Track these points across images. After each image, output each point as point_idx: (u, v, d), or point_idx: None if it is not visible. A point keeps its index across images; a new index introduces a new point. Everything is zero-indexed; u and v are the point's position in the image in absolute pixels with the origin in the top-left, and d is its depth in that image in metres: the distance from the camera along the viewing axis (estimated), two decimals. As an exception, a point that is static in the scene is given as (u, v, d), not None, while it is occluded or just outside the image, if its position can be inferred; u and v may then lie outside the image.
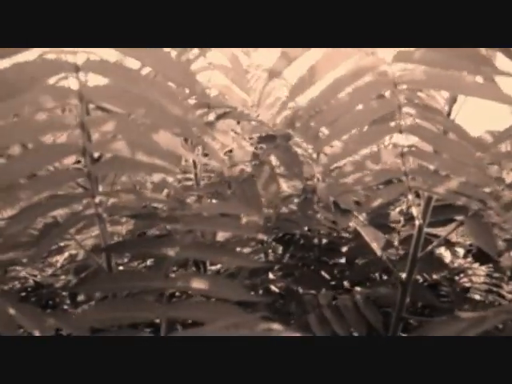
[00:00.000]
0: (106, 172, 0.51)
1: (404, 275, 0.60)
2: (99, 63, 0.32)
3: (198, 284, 0.45)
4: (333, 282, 0.87)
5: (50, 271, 1.16)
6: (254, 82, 0.91)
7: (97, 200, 0.43)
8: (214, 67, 0.66)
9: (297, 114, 0.74)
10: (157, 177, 0.69)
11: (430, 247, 0.60)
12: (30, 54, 0.31)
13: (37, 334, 0.33)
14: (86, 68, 0.32)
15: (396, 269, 0.62)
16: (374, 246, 0.61)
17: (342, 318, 0.63)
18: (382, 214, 0.81)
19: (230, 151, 0.98)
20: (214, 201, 0.71)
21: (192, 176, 0.83)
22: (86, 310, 0.67)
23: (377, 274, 0.91)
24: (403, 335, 0.65)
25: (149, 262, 1.04)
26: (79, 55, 0.37)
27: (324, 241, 0.91)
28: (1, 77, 0.29)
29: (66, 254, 0.98)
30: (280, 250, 1.01)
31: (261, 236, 0.68)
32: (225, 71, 0.65)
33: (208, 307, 0.42)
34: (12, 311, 0.34)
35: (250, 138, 0.94)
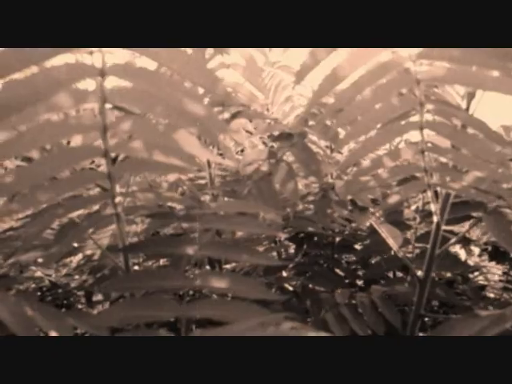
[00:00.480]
0: (127, 172, 0.51)
1: (420, 273, 0.60)
2: (123, 67, 0.32)
3: (217, 282, 0.45)
4: (348, 280, 0.87)
5: (63, 271, 1.17)
6: (268, 79, 0.91)
7: (117, 200, 0.44)
8: (228, 65, 0.66)
9: (309, 111, 0.73)
10: (172, 176, 0.69)
11: (449, 243, 0.59)
12: (58, 60, 0.31)
13: (55, 334, 0.33)
14: (110, 72, 0.32)
15: (413, 266, 0.62)
16: (391, 243, 0.61)
17: (360, 317, 0.63)
18: (397, 211, 0.80)
19: (242, 150, 0.98)
20: (227, 199, 0.71)
21: (204, 174, 0.83)
22: (105, 309, 0.68)
23: (391, 272, 0.90)
24: (422, 334, 0.65)
25: (161, 262, 1.04)
26: (95, 55, 0.37)
27: (338, 238, 0.91)
28: (30, 82, 0.29)
29: (80, 254, 0.99)
30: (291, 248, 1.01)
31: (281, 234, 0.68)
32: (239, 69, 0.65)
33: (229, 306, 0.42)
34: (30, 312, 0.34)
35: (261, 137, 0.94)
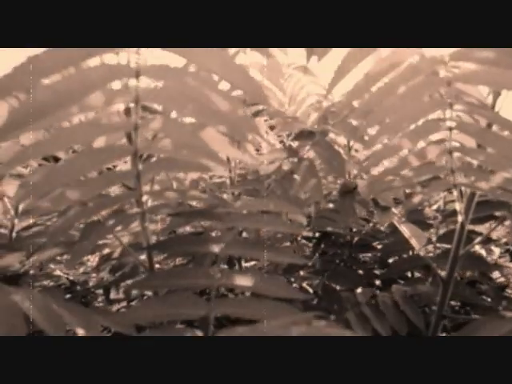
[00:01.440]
0: (155, 172, 0.52)
1: (442, 273, 0.59)
2: (157, 67, 0.32)
3: (242, 281, 0.45)
4: (365, 280, 0.86)
5: (81, 270, 1.18)
6: (286, 77, 0.90)
7: (144, 199, 0.44)
8: (249, 64, 0.66)
9: (329, 110, 0.73)
10: (193, 174, 0.69)
11: (473, 243, 0.59)
12: (92, 61, 0.31)
13: (83, 332, 0.33)
14: (144, 72, 0.32)
15: (435, 266, 0.61)
16: (414, 242, 0.60)
17: (382, 317, 0.63)
18: (418, 210, 0.79)
19: (259, 149, 0.97)
20: (248, 198, 0.71)
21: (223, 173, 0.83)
22: (131, 307, 0.68)
23: (409, 272, 0.90)
24: (445, 335, 0.64)
25: (177, 261, 1.04)
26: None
27: (356, 238, 0.91)
28: (67, 83, 0.30)
29: (98, 252, 1.00)
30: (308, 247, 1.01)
31: (305, 233, 0.68)
32: (260, 69, 0.65)
33: (257, 305, 0.42)
34: (58, 309, 0.34)
35: (279, 136, 0.94)
